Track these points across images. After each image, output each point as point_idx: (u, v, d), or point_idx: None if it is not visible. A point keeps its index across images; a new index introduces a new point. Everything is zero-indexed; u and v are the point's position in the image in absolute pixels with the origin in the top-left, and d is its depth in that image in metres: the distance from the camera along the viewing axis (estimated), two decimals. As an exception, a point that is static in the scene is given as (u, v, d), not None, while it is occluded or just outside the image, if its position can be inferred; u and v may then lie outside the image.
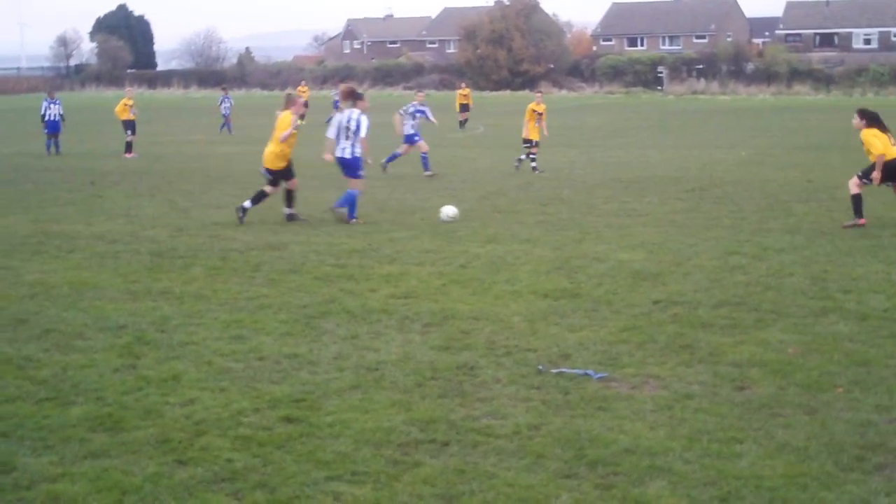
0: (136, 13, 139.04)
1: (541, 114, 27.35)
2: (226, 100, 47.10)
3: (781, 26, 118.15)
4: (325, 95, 76.85)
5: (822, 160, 29.26)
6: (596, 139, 39.65)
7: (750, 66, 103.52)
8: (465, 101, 49.38)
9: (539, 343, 10.12)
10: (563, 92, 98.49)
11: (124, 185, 24.84)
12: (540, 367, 9.27)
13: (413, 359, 9.62)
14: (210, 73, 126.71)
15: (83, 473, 6.98)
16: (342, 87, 21.16)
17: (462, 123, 47.62)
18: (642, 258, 14.48)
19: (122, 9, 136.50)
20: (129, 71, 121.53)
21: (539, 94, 28.60)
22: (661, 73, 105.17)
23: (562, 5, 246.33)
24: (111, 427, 7.88)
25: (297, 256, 14.91)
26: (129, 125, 34.27)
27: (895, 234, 16.19)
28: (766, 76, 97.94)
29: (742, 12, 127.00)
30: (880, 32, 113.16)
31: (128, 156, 33.11)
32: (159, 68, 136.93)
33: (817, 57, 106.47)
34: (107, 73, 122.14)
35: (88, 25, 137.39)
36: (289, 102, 18.73)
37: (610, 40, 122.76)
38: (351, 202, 18.24)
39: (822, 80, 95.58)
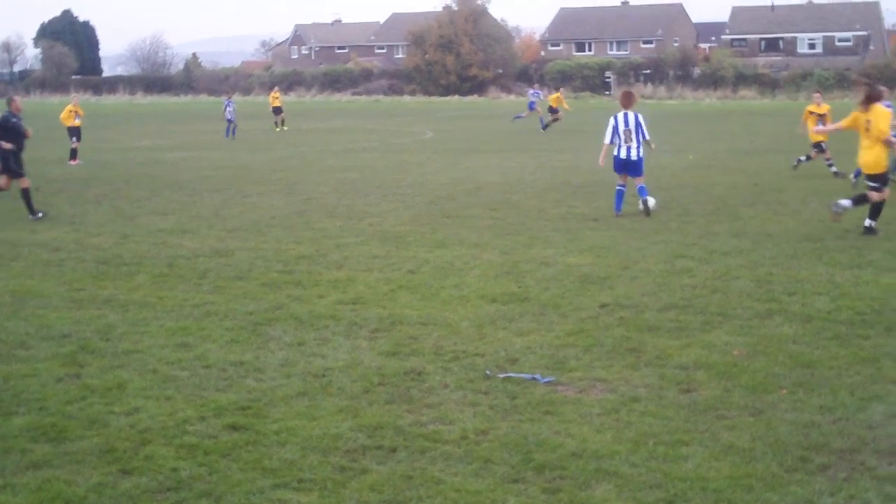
0: (81, 19, 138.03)
1: (821, 115, 25.83)
2: (229, 104, 47.02)
3: (727, 31, 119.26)
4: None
5: (767, 164, 29.53)
6: (545, 144, 39.77)
7: (696, 71, 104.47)
8: (276, 105, 51.84)
9: (487, 348, 10.12)
10: (512, 97, 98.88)
11: (69, 192, 24.58)
12: (487, 372, 9.27)
13: (360, 365, 9.59)
14: (156, 78, 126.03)
15: (25, 485, 6.89)
16: (623, 90, 20.86)
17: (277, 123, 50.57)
18: (590, 262, 14.53)
19: (66, 14, 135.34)
20: (74, 77, 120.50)
21: (817, 95, 27.27)
22: (608, 78, 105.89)
23: (510, 10, 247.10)
24: (54, 437, 7.78)
25: (244, 263, 14.82)
26: (75, 132, 33.96)
27: (839, 237, 16.35)
28: (713, 81, 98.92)
29: (689, 18, 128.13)
30: (825, 37, 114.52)
31: (73, 163, 32.78)
32: (105, 74, 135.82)
33: (763, 62, 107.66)
34: (51, 80, 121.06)
35: (32, 31, 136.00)
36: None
37: (558, 45, 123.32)
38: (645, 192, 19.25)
39: (767, 84, 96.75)
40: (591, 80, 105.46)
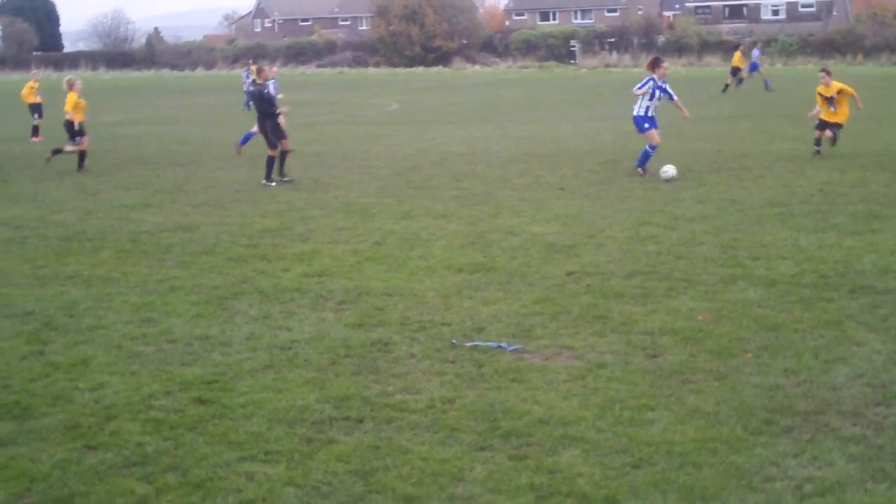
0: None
1: (829, 98, 22.07)
2: (248, 75, 46.77)
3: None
4: (236, 75, 76.08)
5: (731, 130, 29.62)
6: (510, 114, 39.72)
7: (661, 39, 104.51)
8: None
9: (453, 317, 10.12)
10: (477, 67, 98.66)
11: (31, 169, 24.33)
12: (454, 341, 9.27)
13: (327, 337, 9.57)
14: (118, 54, 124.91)
15: (-11, 463, 6.84)
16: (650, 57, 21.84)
17: None
18: (556, 231, 14.55)
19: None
20: (34, 53, 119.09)
21: (823, 74, 22.64)
22: (573, 46, 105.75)
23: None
24: (18, 415, 7.72)
25: (209, 237, 14.74)
26: (36, 108, 33.56)
27: (803, 202, 16.44)
28: (677, 48, 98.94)
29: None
30: (788, 3, 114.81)
31: (35, 140, 32.44)
32: (66, 50, 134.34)
33: (727, 28, 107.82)
34: (12, 57, 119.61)
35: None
36: None
37: (522, 15, 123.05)
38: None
39: (731, 51, 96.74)
40: (556, 50, 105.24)
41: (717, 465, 6.52)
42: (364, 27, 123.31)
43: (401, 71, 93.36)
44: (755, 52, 54.26)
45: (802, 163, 21.28)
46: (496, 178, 20.45)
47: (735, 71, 50.12)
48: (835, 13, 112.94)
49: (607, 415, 7.40)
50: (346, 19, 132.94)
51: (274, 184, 20.15)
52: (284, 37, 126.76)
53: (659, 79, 20.03)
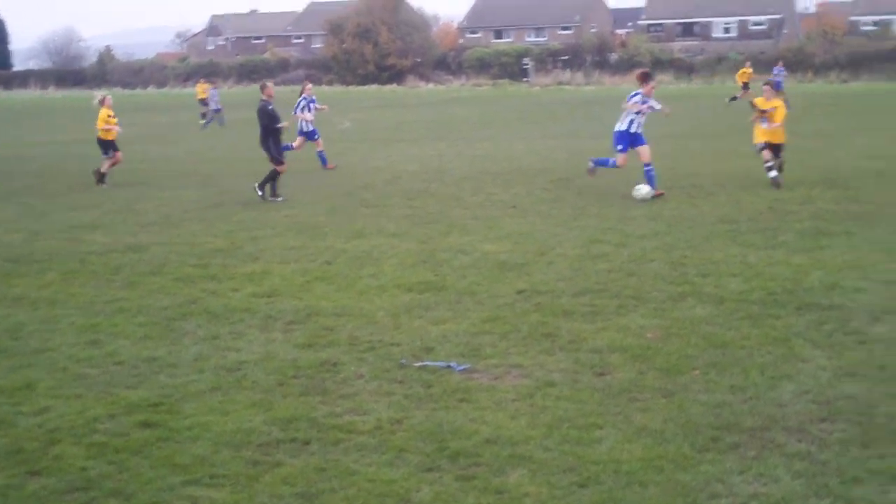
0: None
1: (764, 111, 20.99)
2: (215, 92, 47.51)
3: (644, 17, 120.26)
4: (188, 93, 75.68)
5: (683, 148, 29.79)
6: (463, 132, 39.77)
7: (614, 57, 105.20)
8: (203, 97, 49.93)
9: (402, 337, 10.09)
10: (431, 85, 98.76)
11: (-21, 189, 24.03)
12: (402, 361, 9.24)
13: (275, 357, 9.51)
14: (69, 72, 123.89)
15: (-72, 489, 6.73)
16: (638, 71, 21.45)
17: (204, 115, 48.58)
18: (507, 249, 14.56)
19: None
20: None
21: (766, 88, 21.83)
22: (526, 64, 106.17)
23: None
24: (-41, 440, 7.61)
25: (158, 258, 14.62)
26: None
27: (753, 219, 16.56)
28: (630, 66, 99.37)
29: (605, 4, 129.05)
30: (739, 21, 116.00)
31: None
32: (16, 69, 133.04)
33: (679, 46, 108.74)
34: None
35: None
36: None
37: (476, 33, 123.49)
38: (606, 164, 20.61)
39: (683, 68, 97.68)
40: (510, 68, 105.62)
41: (663, 483, 6.53)
42: (317, 45, 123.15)
43: (354, 89, 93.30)
44: (778, 70, 52.83)
45: (752, 181, 21.43)
46: (448, 197, 20.46)
47: (745, 86, 49.87)
48: (785, 31, 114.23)
49: (555, 434, 7.39)
50: (299, 37, 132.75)
51: (281, 199, 20.33)
52: (237, 55, 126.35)
53: (646, 94, 19.77)
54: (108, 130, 24.03)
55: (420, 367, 9.08)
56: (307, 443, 7.40)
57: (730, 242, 14.61)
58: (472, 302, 11.49)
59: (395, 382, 8.71)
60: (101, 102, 24.35)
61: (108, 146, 24.22)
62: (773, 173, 20.12)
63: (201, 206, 19.99)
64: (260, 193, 20.43)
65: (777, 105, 20.59)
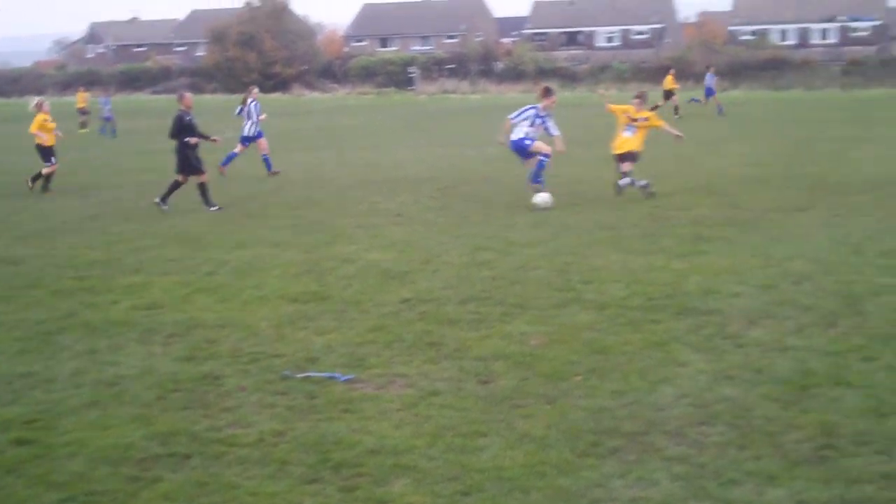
0: None
1: (635, 119, 20.82)
2: (107, 102, 47.35)
3: (529, 26, 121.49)
4: (67, 102, 74.18)
5: (567, 155, 30.05)
6: (348, 140, 39.70)
7: (499, 65, 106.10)
8: (82, 105, 50.19)
9: (286, 348, 10.00)
10: (316, 93, 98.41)
11: None
12: (286, 373, 9.16)
13: (155, 371, 9.35)
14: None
15: None
16: (541, 85, 21.75)
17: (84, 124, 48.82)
18: (392, 258, 14.55)
19: None
20: None
21: (637, 101, 21.10)
22: (412, 73, 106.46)
23: (313, 6, 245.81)
24: None
25: (35, 270, 14.28)
26: None
27: (634, 225, 16.82)
28: (515, 74, 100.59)
29: (490, 12, 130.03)
30: (622, 31, 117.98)
31: None
32: None
33: (563, 55, 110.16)
34: None
35: None
36: None
37: (362, 41, 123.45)
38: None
39: (568, 77, 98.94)
40: (395, 76, 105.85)
41: (545, 488, 6.58)
42: (201, 53, 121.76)
43: (238, 97, 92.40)
44: (710, 77, 53.16)
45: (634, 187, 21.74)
46: (333, 206, 20.38)
47: (668, 94, 49.88)
48: (667, 40, 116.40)
49: (439, 442, 7.39)
50: (181, 45, 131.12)
51: (215, 207, 19.99)
52: (118, 63, 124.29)
53: (543, 109, 19.85)
54: (45, 136, 23.95)
55: (303, 379, 9.01)
56: (188, 457, 7.28)
57: (611, 249, 14.80)
58: (356, 311, 11.44)
59: (278, 394, 8.63)
60: (38, 107, 24.28)
61: (47, 153, 24.09)
62: (626, 181, 20.24)
63: (80, 217, 19.60)
64: (164, 207, 19.97)
65: (650, 116, 20.79)
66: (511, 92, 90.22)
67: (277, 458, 7.19)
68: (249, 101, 27.14)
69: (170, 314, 11.51)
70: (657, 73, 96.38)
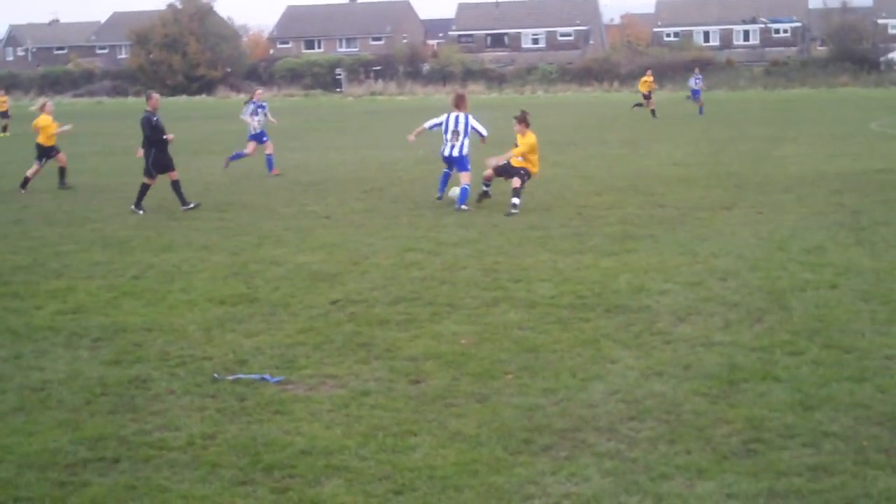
0: None
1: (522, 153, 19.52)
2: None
3: (454, 27, 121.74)
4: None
5: (495, 155, 30.16)
6: (275, 143, 39.35)
7: (426, 67, 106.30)
8: (3, 109, 49.30)
9: (215, 351, 9.91)
10: (242, 96, 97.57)
11: None
12: (215, 376, 9.07)
13: (81, 375, 9.20)
14: None
15: None
16: (457, 93, 22.00)
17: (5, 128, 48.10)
18: (321, 260, 14.48)
19: None
20: None
21: (515, 122, 20.03)
22: (339, 75, 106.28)
23: (237, 8, 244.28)
24: None
25: (-44, 276, 14.01)
26: None
27: (563, 225, 16.91)
28: (442, 76, 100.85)
29: (416, 14, 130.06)
30: (547, 32, 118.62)
31: None
32: None
33: (489, 57, 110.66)
34: None
35: None
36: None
37: (287, 43, 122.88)
38: (466, 195, 19.32)
39: (494, 79, 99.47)
40: (322, 78, 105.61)
41: (477, 486, 6.58)
42: (123, 56, 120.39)
43: (163, 100, 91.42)
44: (694, 80, 52.04)
45: (562, 187, 21.92)
46: (261, 208, 20.24)
47: (647, 96, 49.37)
48: (591, 42, 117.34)
49: (370, 443, 7.37)
50: (104, 48, 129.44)
51: (142, 212, 19.79)
52: (38, 66, 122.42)
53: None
54: (50, 136, 24.58)
55: (233, 381, 8.93)
56: (116, 461, 7.18)
57: (540, 248, 14.87)
58: (285, 313, 11.37)
59: (207, 397, 8.55)
60: (42, 108, 24.99)
61: (48, 151, 24.65)
62: (486, 189, 19.80)
63: (1, 221, 19.24)
64: (139, 212, 19.80)
65: (532, 145, 19.45)
66: (438, 94, 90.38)
67: (208, 461, 7.12)
68: (253, 102, 27.30)
69: (95, 318, 11.34)
70: (583, 75, 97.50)
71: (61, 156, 24.97)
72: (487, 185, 19.69)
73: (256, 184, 24.72)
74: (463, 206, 19.12)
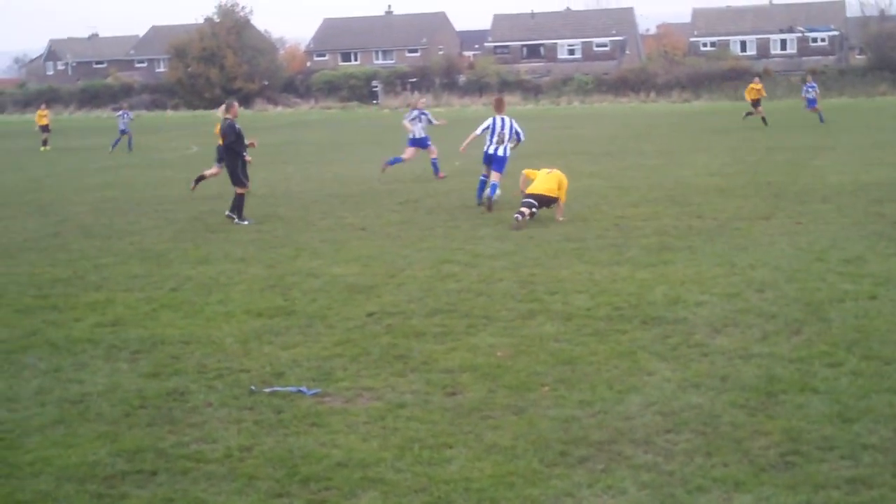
0: None
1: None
2: (126, 115, 46.99)
3: (490, 39, 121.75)
4: (27, 119, 73.64)
5: (532, 167, 30.16)
6: (312, 155, 39.65)
7: (462, 78, 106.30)
8: (44, 122, 49.38)
9: (252, 363, 9.95)
10: (279, 108, 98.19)
11: None
12: (252, 388, 9.11)
13: (120, 388, 9.28)
14: None
15: None
16: (495, 97, 22.95)
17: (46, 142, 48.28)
18: (357, 272, 14.52)
19: None
20: None
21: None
22: (375, 87, 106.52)
23: (274, 21, 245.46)
24: None
25: (-3, 289, 14.15)
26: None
27: (599, 236, 16.87)
28: (478, 87, 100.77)
29: (452, 26, 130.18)
30: (583, 43, 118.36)
31: None
32: None
33: (525, 68, 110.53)
34: None
35: None
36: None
37: (324, 56, 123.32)
38: (494, 190, 20.99)
39: (530, 89, 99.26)
40: (359, 90, 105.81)
41: (514, 499, 6.57)
42: (162, 69, 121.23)
43: (200, 113, 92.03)
44: (809, 87, 48.81)
45: (598, 198, 21.87)
46: (297, 220, 20.32)
47: (755, 103, 46.80)
48: (628, 52, 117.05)
49: (406, 455, 7.38)
50: (142, 62, 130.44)
51: (247, 222, 20.01)
52: (78, 80, 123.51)
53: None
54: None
55: (270, 393, 8.97)
56: (154, 473, 7.23)
57: (576, 260, 14.83)
58: (322, 326, 11.41)
59: (244, 409, 8.59)
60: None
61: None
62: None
63: (40, 234, 19.44)
64: (236, 221, 20.07)
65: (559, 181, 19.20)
66: (474, 105, 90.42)
67: (245, 473, 7.15)
68: (417, 109, 28.31)
69: (134, 331, 11.43)
70: (619, 86, 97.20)
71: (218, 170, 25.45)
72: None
73: (294, 196, 24.82)
74: (496, 194, 20.84)
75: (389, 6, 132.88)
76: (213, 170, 24.91)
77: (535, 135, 45.91)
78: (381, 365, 9.79)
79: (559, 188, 19.08)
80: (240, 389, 9.13)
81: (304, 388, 9.05)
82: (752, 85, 47.93)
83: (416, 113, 28.12)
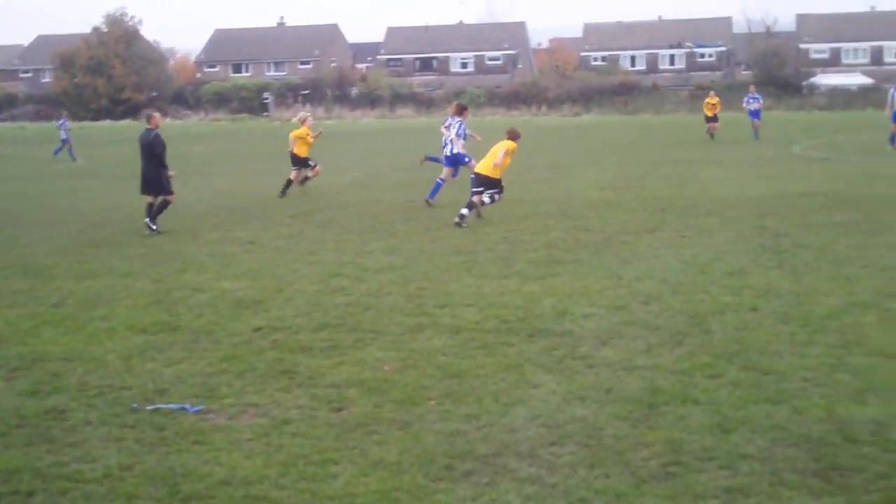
0: None
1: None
2: (64, 123, 47.19)
3: (383, 51, 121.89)
4: None
5: (423, 179, 30.23)
6: (201, 167, 39.16)
7: (354, 91, 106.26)
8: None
9: (134, 380, 9.78)
10: (168, 120, 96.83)
11: None
12: (134, 406, 8.96)
13: (-3, 407, 9.04)
14: None
15: None
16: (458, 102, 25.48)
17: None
18: (245, 286, 14.37)
19: None
20: None
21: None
22: (266, 99, 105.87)
23: (163, 32, 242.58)
24: None
25: None
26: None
27: (489, 249, 16.94)
28: (370, 100, 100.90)
29: (344, 38, 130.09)
30: (476, 56, 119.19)
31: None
32: None
33: (418, 81, 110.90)
34: None
35: None
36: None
37: (214, 67, 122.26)
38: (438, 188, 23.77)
39: (423, 102, 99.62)
40: (249, 102, 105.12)
41: (398, 515, 6.56)
42: (47, 79, 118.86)
43: (87, 124, 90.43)
44: (751, 98, 47.17)
45: (488, 211, 21.97)
46: (185, 234, 20.06)
47: (713, 118, 45.54)
48: (520, 66, 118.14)
49: (291, 471, 7.32)
50: (27, 71, 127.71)
51: (156, 228, 20.19)
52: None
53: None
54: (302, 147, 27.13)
55: (153, 411, 8.82)
56: (31, 494, 7.06)
57: (465, 273, 14.88)
58: (207, 341, 11.26)
59: (126, 427, 8.43)
60: (302, 121, 27.88)
61: (303, 161, 27.27)
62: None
63: (-81, 249, 18.89)
64: (153, 228, 20.19)
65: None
66: (367, 118, 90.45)
67: (125, 493, 7.02)
68: (456, 120, 24.23)
69: (13, 348, 11.15)
70: (511, 99, 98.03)
71: (318, 168, 27.60)
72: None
73: (182, 210, 24.46)
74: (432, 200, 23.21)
75: (282, 18, 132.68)
76: (314, 170, 27.28)
77: (427, 147, 46.04)
78: (267, 380, 9.70)
79: (493, 165, 20.69)
80: (121, 407, 8.97)
81: (187, 405, 8.92)
82: (707, 99, 46.98)
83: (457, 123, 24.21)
